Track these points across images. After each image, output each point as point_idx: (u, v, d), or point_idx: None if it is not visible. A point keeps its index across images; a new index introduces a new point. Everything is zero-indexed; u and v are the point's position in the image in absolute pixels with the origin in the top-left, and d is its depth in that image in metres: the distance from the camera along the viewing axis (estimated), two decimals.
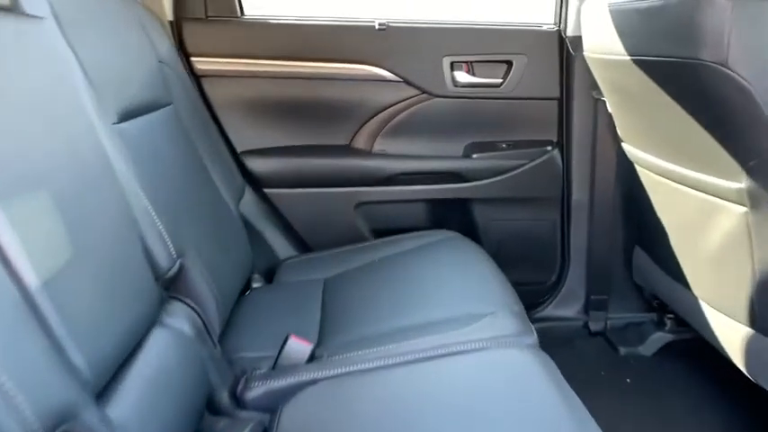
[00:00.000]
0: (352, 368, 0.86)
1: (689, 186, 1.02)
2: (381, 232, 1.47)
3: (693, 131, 0.91)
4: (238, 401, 0.85)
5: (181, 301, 0.84)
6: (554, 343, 1.03)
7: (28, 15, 0.70)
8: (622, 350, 1.45)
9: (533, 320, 0.99)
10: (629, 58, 0.97)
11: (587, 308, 1.54)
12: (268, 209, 1.45)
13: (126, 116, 0.85)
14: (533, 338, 0.92)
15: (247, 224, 1.38)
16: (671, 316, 1.44)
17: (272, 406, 0.82)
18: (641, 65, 0.95)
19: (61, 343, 0.53)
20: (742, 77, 0.77)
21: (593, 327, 1.53)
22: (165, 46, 1.17)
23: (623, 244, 1.47)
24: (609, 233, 1.47)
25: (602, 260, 1.49)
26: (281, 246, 1.45)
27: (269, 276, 1.33)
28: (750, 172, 0.85)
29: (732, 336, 1.01)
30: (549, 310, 1.54)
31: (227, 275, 1.03)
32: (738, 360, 1.01)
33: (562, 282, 1.54)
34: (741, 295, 0.95)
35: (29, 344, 0.49)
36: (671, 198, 1.11)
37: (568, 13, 1.39)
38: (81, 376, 0.54)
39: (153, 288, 0.77)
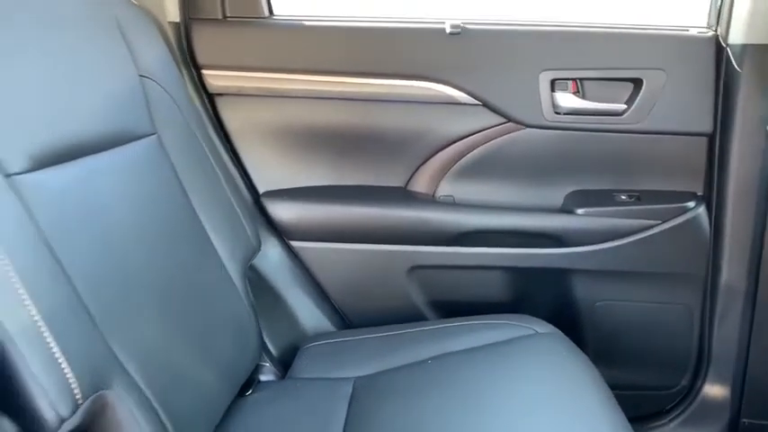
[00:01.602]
0: None
1: None
2: (441, 306, 1.18)
3: None
4: None
5: None
6: None
7: None
8: None
9: None
10: None
11: None
12: (294, 268, 1.16)
13: (48, 161, 0.63)
14: None
15: (264, 287, 1.11)
16: None
17: None
18: None
19: None
20: None
21: None
22: (157, 54, 0.91)
23: None
24: None
25: (762, 369, 1.11)
26: (308, 318, 1.16)
27: (287, 361, 1.05)
28: None
29: None
30: (675, 428, 1.18)
31: (206, 386, 0.78)
32: None
33: (695, 391, 1.17)
34: None
35: None
36: None
37: (733, 10, 0.99)
38: None
39: None
